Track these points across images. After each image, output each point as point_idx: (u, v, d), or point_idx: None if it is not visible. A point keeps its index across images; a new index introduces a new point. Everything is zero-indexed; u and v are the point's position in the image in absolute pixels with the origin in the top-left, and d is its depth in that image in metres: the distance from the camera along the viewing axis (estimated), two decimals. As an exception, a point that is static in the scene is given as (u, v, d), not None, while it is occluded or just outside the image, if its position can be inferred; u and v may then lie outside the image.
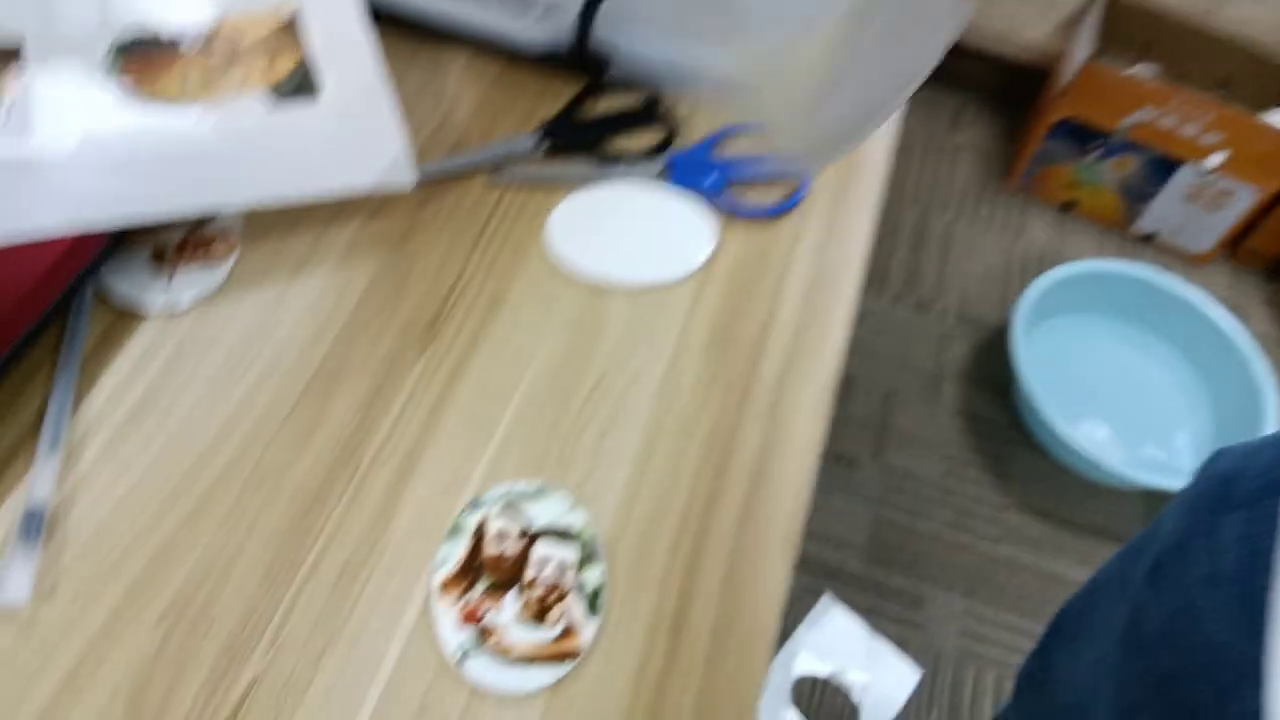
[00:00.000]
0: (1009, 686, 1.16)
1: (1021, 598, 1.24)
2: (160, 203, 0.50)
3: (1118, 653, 0.56)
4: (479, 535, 0.45)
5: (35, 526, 0.43)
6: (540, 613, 0.43)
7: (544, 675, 0.42)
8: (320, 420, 0.48)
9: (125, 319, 0.51)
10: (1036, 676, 0.68)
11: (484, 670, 0.41)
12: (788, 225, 0.58)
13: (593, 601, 0.44)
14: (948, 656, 1.18)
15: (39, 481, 0.45)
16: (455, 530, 0.45)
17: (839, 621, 1.17)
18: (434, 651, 0.42)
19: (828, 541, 1.24)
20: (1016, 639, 1.21)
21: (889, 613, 1.20)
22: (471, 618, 0.43)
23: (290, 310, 0.52)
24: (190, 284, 0.52)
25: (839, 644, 1.15)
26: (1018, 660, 1.19)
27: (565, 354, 0.51)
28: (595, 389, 0.50)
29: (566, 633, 0.43)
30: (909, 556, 1.25)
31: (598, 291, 0.54)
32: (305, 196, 0.53)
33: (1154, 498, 1.35)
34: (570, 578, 0.44)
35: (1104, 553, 1.29)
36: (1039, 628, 1.23)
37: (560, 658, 0.42)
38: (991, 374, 1.44)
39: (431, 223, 0.56)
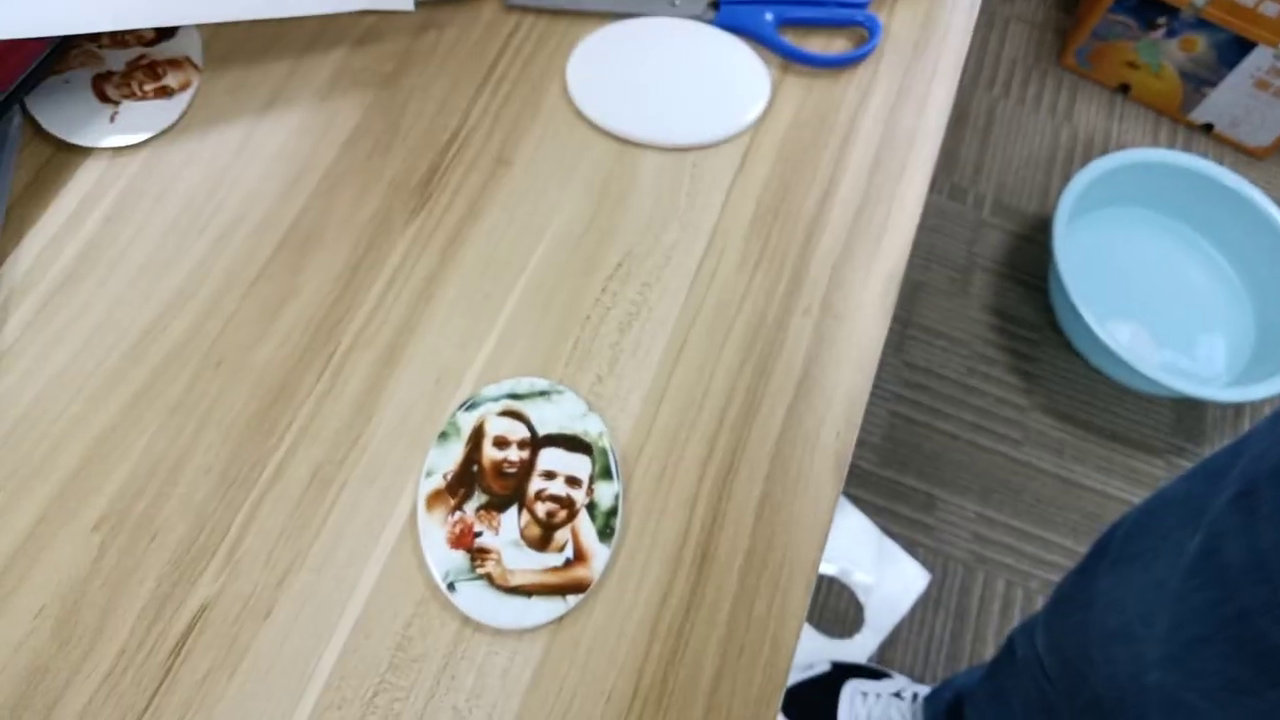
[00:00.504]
0: (1019, 594, 1.13)
1: (1037, 504, 1.20)
2: (101, 11, 0.41)
3: (1181, 581, 0.50)
4: (475, 440, 0.38)
5: (-55, 406, 0.36)
6: (544, 535, 0.36)
7: (546, 609, 0.35)
8: (290, 293, 0.40)
9: (61, 158, 0.43)
10: (1075, 598, 0.62)
11: (477, 601, 0.35)
12: (854, 81, 0.49)
13: (606, 524, 0.37)
14: (958, 560, 1.14)
15: (-50, 351, 0.37)
16: (448, 433, 0.38)
17: (848, 521, 1.12)
18: (419, 577, 0.36)
19: (843, 436, 1.18)
20: (1029, 546, 1.16)
21: (900, 514, 1.16)
22: (464, 539, 0.36)
23: (258, 156, 0.44)
24: (139, 119, 0.44)
25: (847, 544, 1.11)
26: (1028, 567, 1.15)
27: (584, 225, 0.43)
28: (618, 270, 0.42)
29: (574, 560, 0.36)
30: (924, 457, 1.20)
31: (626, 150, 0.45)
32: (280, 13, 0.43)
33: (1184, 407, 1.29)
34: (581, 495, 0.37)
35: (1126, 461, 1.24)
36: (1053, 535, 1.19)
37: (566, 589, 0.36)
38: (1027, 268, 1.35)
39: (431, 55, 0.47)
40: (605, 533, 0.37)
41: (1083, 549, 1.17)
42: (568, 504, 0.37)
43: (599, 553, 0.36)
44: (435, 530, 0.36)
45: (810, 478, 0.39)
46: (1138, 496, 1.21)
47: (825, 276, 0.43)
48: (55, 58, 0.43)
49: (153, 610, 0.34)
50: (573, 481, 0.37)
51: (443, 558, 0.36)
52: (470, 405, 0.38)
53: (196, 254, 0.41)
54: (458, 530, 0.36)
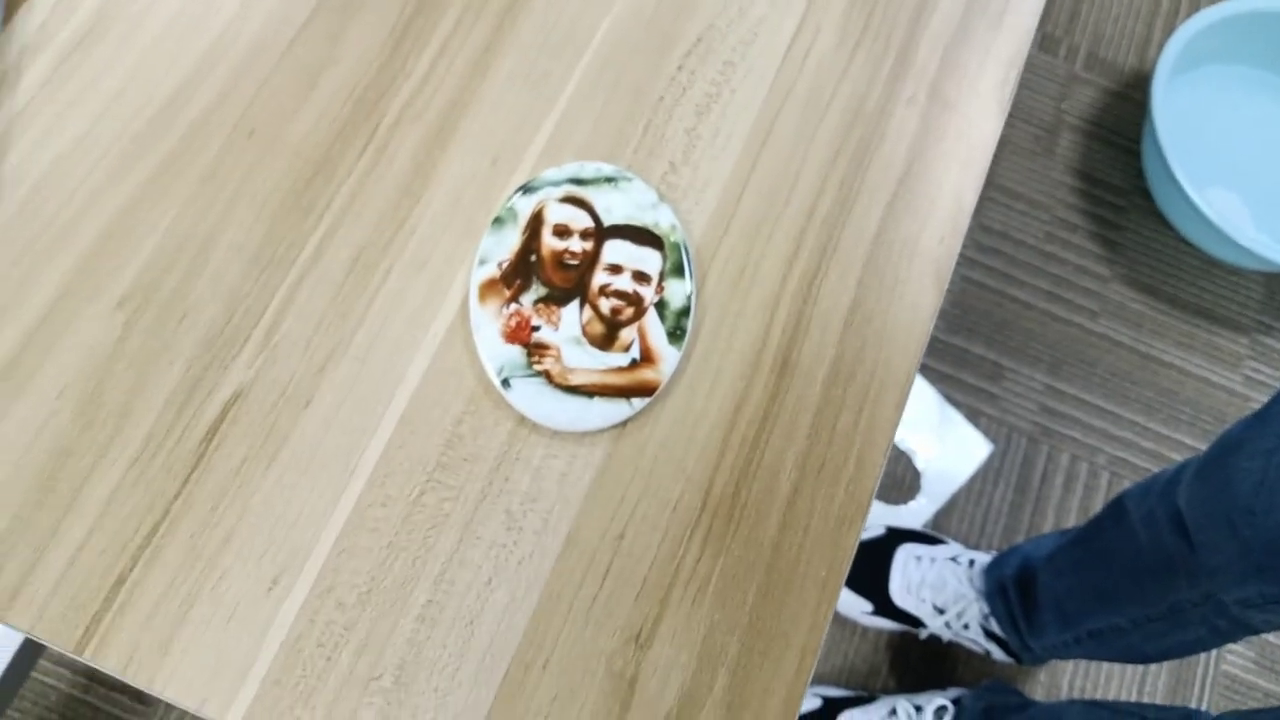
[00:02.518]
0: (1084, 469, 1.09)
1: (1111, 378, 1.14)
2: None
3: None
4: (534, 228, 0.34)
5: (-43, 169, 0.33)
6: (609, 334, 0.33)
7: (609, 411, 0.32)
8: (331, 57, 0.36)
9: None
10: (1247, 445, 0.57)
11: (533, 399, 0.32)
12: None
13: (676, 325, 0.33)
14: (1022, 432, 1.10)
15: (-39, 112, 0.34)
16: (503, 219, 0.34)
17: (912, 386, 1.08)
18: (470, 372, 0.32)
19: (909, 299, 1.12)
20: (1099, 421, 1.11)
21: (965, 382, 1.11)
22: (520, 332, 0.32)
23: (293, -85, 0.39)
24: None
25: (907, 410, 1.07)
26: (1096, 442, 1.10)
27: (660, -4, 0.38)
28: (698, 45, 0.37)
29: (642, 360, 0.33)
30: (994, 324, 1.14)
31: (711, -91, 0.40)
32: None
33: (1275, 282, 1.20)
34: (650, 292, 0.33)
35: (1208, 338, 1.17)
36: (1125, 411, 1.13)
37: (631, 391, 0.32)
38: (1120, 129, 1.25)
39: None
40: (675, 334, 0.33)
41: (1155, 426, 1.11)
42: (635, 301, 0.33)
43: (668, 355, 0.33)
44: (489, 323, 0.32)
45: (908, 285, 0.35)
46: (1217, 374, 1.15)
47: (936, 59, 0.37)
48: None
49: (183, 394, 0.31)
50: (641, 277, 0.33)
51: (497, 352, 0.32)
52: (528, 189, 0.34)
53: (226, 13, 0.37)
54: (513, 323, 0.32)
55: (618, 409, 0.32)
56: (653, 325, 0.33)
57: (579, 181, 0.34)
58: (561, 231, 0.34)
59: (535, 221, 0.34)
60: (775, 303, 0.34)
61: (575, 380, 0.32)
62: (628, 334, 0.33)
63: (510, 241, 0.33)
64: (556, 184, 0.34)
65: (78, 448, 0.30)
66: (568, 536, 0.31)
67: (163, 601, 0.29)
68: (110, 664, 0.28)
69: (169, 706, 0.85)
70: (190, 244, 0.33)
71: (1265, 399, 1.01)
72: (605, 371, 0.32)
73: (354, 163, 0.34)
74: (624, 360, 0.32)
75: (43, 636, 0.28)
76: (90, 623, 0.29)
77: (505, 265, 0.33)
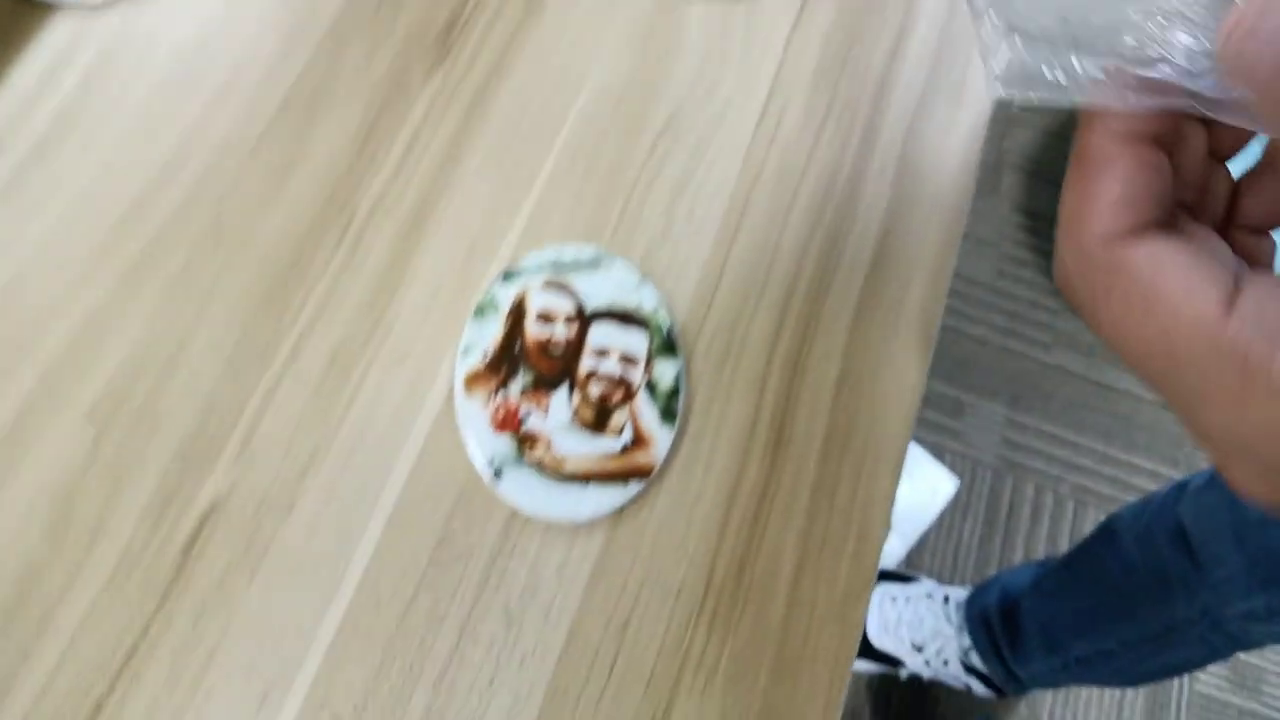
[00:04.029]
0: (1049, 498, 1.10)
1: (1068, 407, 1.16)
2: None
3: None
4: (517, 315, 0.33)
5: (-89, 285, 0.31)
6: (599, 417, 0.32)
7: (605, 497, 0.31)
8: (299, 156, 0.35)
9: (27, 10, 0.37)
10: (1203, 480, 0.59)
11: (526, 489, 0.31)
12: (928, -87, 0.43)
13: (668, 405, 0.33)
14: (986, 466, 1.11)
15: (-86, 225, 0.32)
16: (485, 308, 0.33)
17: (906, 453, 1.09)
18: (459, 465, 0.31)
19: (869, 342, 1.14)
20: (1060, 450, 1.13)
21: (928, 419, 1.12)
22: (509, 422, 0.32)
23: (252, 6, 0.38)
24: (114, -32, 0.38)
25: (878, 451, 1.07)
26: (1059, 471, 1.12)
27: (628, 77, 0.38)
28: (668, 127, 0.37)
29: (634, 444, 0.32)
30: (952, 361, 1.16)
31: (673, -9, 0.40)
32: None
33: (1219, 306, 1.24)
34: (638, 374, 0.33)
35: (1159, 363, 1.20)
36: (1084, 439, 1.16)
37: (626, 475, 0.32)
38: (1058, 165, 1.29)
39: (442, -110, 0.41)
40: (667, 415, 0.33)
41: (1115, 452, 1.14)
42: (624, 384, 0.33)
43: (661, 436, 0.32)
44: (476, 414, 0.32)
45: (894, 352, 0.35)
46: (1171, 399, 1.18)
47: (901, 133, 0.38)
48: (14, -109, 0.38)
49: (159, 506, 0.30)
50: (628, 360, 0.33)
51: (486, 442, 0.31)
52: (509, 276, 0.34)
53: (190, 117, 0.36)
54: (501, 413, 0.32)
55: (613, 495, 0.31)
56: (644, 407, 0.33)
57: (559, 266, 0.34)
58: (545, 318, 0.33)
59: (518, 309, 0.33)
60: (764, 378, 0.34)
61: (569, 468, 0.31)
62: (619, 417, 0.32)
63: (493, 331, 0.33)
64: (537, 270, 0.34)
65: (49, 567, 0.29)
66: (570, 630, 0.30)
67: (149, 732, 0.28)
68: (95, 805, 0.27)
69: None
70: (161, 350, 0.32)
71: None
72: (599, 457, 0.32)
73: (328, 260, 0.34)
74: (617, 445, 0.32)
75: (20, 780, 0.27)
76: (72, 761, 0.27)
77: (489, 355, 0.33)
